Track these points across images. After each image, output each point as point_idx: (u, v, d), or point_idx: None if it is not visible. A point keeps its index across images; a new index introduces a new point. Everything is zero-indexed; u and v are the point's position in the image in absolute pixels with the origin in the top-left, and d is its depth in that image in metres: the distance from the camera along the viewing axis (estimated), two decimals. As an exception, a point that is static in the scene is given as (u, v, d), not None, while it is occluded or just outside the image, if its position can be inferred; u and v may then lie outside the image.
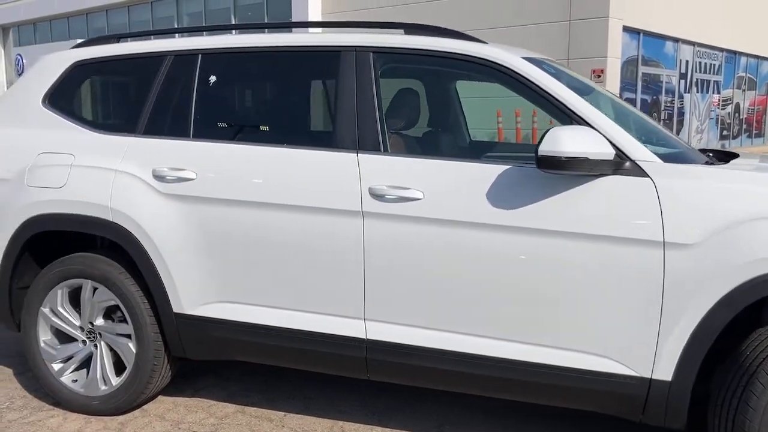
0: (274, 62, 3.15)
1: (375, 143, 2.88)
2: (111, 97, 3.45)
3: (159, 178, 3.10)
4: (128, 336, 3.24)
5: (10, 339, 4.35)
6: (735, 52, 21.39)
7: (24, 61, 31.72)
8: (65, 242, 3.47)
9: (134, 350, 3.22)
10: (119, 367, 3.32)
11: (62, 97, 3.46)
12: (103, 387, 3.31)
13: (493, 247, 2.63)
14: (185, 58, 3.25)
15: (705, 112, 20.14)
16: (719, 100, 20.80)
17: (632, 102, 16.57)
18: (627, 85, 15.99)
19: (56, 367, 3.39)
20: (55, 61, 3.54)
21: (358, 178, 2.83)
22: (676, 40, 17.80)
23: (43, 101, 3.48)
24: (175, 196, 3.07)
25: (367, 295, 2.84)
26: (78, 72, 3.48)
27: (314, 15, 19.69)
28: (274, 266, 2.95)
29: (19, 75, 31.94)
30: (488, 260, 2.64)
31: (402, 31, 3.04)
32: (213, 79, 3.20)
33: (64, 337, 3.43)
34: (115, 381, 3.29)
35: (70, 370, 3.39)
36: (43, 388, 3.44)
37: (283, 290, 2.96)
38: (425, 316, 2.77)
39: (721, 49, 20.45)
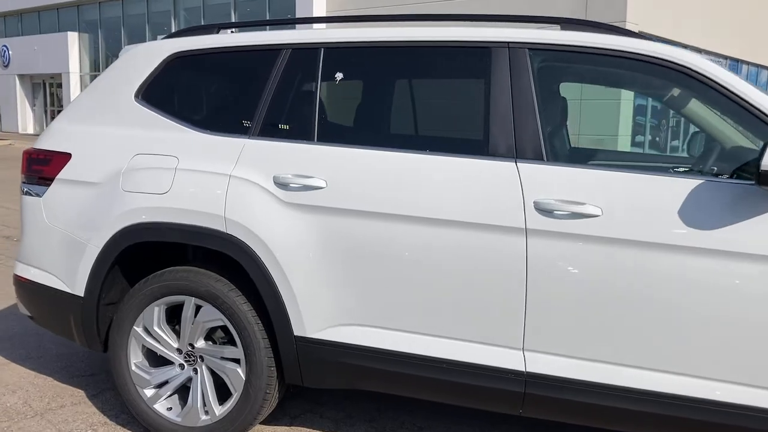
0: (411, 58, 2.83)
1: (536, 151, 2.57)
2: (213, 93, 3.10)
3: (281, 185, 2.76)
4: (236, 360, 2.90)
5: (78, 355, 3.98)
6: (738, 60, 21.41)
7: (10, 52, 30.97)
8: (150, 254, 3.13)
9: (243, 376, 2.88)
10: (221, 394, 2.98)
11: (158, 92, 3.11)
12: (204, 417, 2.97)
13: (690, 272, 2.33)
14: (305, 52, 2.92)
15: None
16: (722, 107, 20.74)
17: (643, 107, 16.45)
18: (638, 90, 15.80)
19: (149, 393, 3.04)
20: (148, 52, 3.19)
21: (519, 190, 2.52)
22: (685, 46, 17.72)
23: (136, 96, 3.13)
24: (300, 206, 2.74)
25: (528, 323, 2.53)
26: (176, 64, 3.13)
27: (319, 11, 19.33)
28: (416, 287, 2.63)
29: (5, 66, 31.18)
30: (683, 287, 2.34)
31: (558, 26, 2.74)
32: (339, 76, 2.87)
33: (156, 360, 3.09)
34: (219, 411, 2.95)
35: (164, 396, 3.04)
36: (135, 417, 3.08)
37: (427, 315, 2.64)
38: (597, 347, 2.47)
39: (726, 57, 20.44)
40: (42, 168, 3.17)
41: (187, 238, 2.86)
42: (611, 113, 14.47)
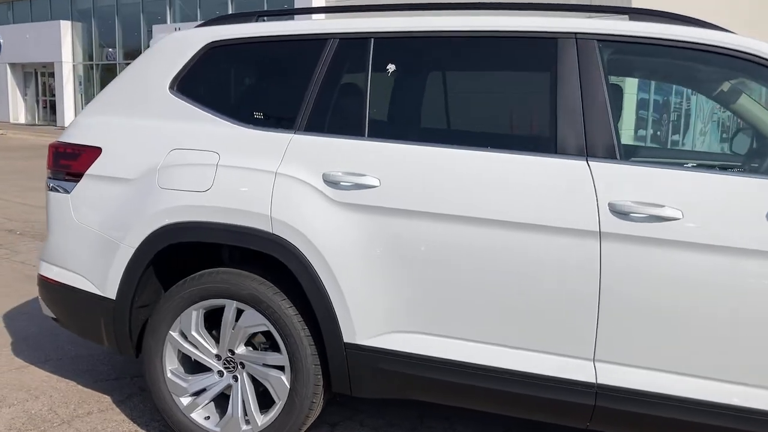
0: (470, 49, 2.66)
1: (609, 149, 2.42)
2: (254, 84, 2.93)
3: (331, 183, 2.60)
4: (280, 368, 2.74)
5: (98, 357, 3.81)
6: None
7: (1, 40, 30.49)
8: (184, 254, 2.96)
9: (288, 385, 2.72)
10: (262, 402, 2.82)
11: (195, 83, 2.93)
12: (245, 427, 2.81)
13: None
14: (354, 42, 2.75)
15: (709, 115, 20.02)
16: (723, 103, 20.69)
17: (645, 102, 16.34)
18: (642, 84, 15.73)
19: (185, 401, 2.88)
20: (183, 41, 3.01)
21: (592, 190, 2.37)
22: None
23: (171, 87, 2.95)
24: (351, 206, 2.58)
25: (600, 333, 2.38)
26: (213, 54, 2.95)
27: (318, 2, 19.11)
28: (478, 294, 2.48)
29: (-4, 55, 30.71)
30: (771, 296, 2.20)
31: (626, 16, 2.59)
32: (392, 68, 2.71)
33: (193, 367, 2.93)
34: (261, 420, 2.79)
35: (202, 405, 2.88)
36: (170, 426, 2.92)
37: (489, 323, 2.49)
38: (673, 358, 2.32)
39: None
40: (70, 163, 3.00)
41: (230, 239, 2.69)
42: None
